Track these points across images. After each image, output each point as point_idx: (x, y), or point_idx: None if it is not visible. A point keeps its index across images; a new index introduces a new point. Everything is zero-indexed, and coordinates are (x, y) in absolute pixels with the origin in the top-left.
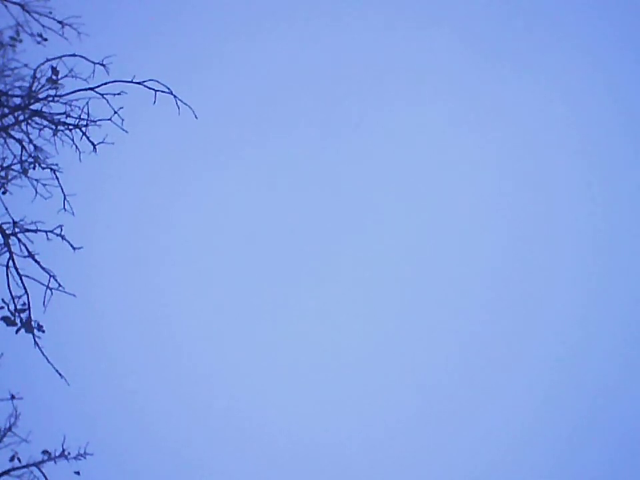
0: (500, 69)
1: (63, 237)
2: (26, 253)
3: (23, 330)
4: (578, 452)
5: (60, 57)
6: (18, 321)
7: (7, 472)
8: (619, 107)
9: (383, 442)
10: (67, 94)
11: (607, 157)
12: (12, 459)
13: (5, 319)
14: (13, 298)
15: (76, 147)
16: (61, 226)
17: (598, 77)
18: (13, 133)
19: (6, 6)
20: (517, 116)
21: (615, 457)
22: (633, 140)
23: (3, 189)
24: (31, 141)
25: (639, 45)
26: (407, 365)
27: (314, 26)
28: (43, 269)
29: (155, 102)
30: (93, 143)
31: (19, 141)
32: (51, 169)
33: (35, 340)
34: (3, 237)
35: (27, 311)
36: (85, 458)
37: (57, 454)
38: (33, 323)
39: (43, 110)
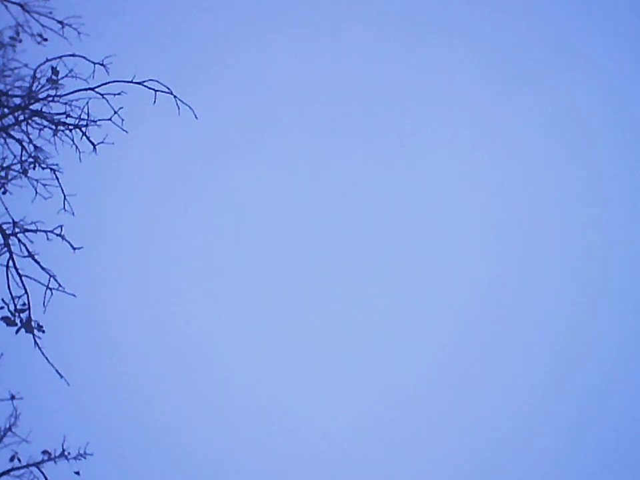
0: (514, 88)
1: (63, 237)
2: (26, 253)
3: (23, 330)
4: (573, 450)
5: (60, 57)
6: (18, 321)
7: (6, 472)
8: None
9: (382, 438)
10: (67, 94)
11: (618, 180)
12: (12, 459)
13: (4, 319)
14: (12, 298)
15: (76, 147)
16: (61, 226)
17: (616, 102)
18: (13, 133)
19: (6, 6)
20: (528, 135)
21: (610, 449)
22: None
23: (3, 189)
24: (30, 141)
25: None
26: (406, 359)
27: (318, 29)
28: (43, 269)
29: (155, 102)
30: (92, 143)
31: (19, 141)
32: (51, 169)
33: (35, 340)
34: (2, 237)
35: (27, 311)
36: (84, 458)
37: (57, 454)
38: (33, 322)
39: (43, 110)
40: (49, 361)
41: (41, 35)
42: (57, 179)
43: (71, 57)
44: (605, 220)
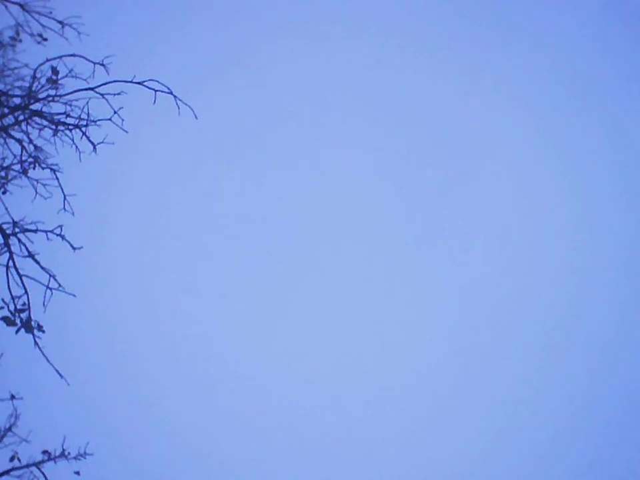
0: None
1: (63, 237)
2: (26, 253)
3: (22, 330)
4: (567, 447)
5: (60, 57)
6: (18, 321)
7: (7, 472)
8: None
9: (381, 435)
10: (67, 94)
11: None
12: (12, 459)
13: (4, 319)
14: (12, 298)
15: (76, 147)
16: (60, 226)
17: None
18: (13, 132)
19: (6, 6)
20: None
21: (604, 441)
22: None
23: (3, 189)
24: (31, 141)
25: None
26: (404, 358)
27: (323, 31)
28: (43, 269)
29: (154, 102)
30: (93, 143)
31: (19, 141)
32: (51, 169)
33: (35, 340)
34: (3, 237)
35: (27, 311)
36: (84, 458)
37: (57, 454)
38: (33, 322)
39: (43, 110)
40: (48, 361)
41: (41, 35)
42: (57, 179)
43: (71, 57)
44: (599, 233)
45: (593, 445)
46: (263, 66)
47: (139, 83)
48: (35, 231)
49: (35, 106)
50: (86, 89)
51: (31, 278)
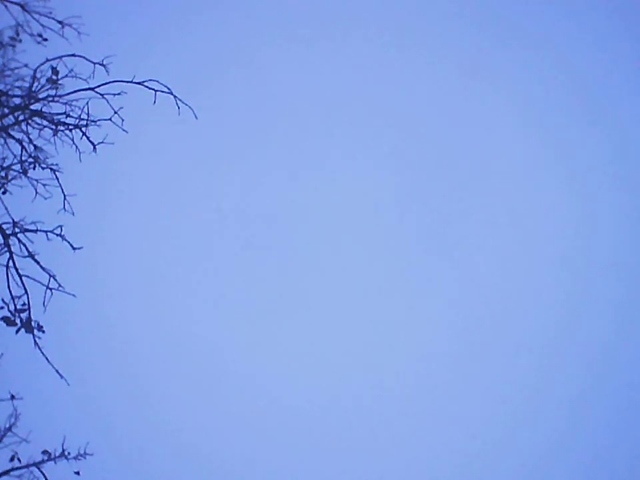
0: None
1: (62, 237)
2: (26, 253)
3: (23, 330)
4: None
5: (60, 57)
6: (18, 321)
7: (6, 472)
8: None
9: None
10: (67, 94)
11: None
12: (12, 459)
13: (4, 319)
14: (12, 298)
15: (76, 147)
16: (60, 226)
17: None
18: (13, 133)
19: (6, 6)
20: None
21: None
22: None
23: (3, 189)
24: (31, 141)
25: None
26: (400, 359)
27: (322, 32)
28: (43, 269)
29: (155, 102)
30: (92, 143)
31: (19, 141)
32: (51, 169)
33: (34, 340)
34: (2, 237)
35: (27, 311)
36: (84, 458)
37: (57, 454)
38: (33, 322)
39: (43, 110)
40: (48, 361)
41: (40, 35)
42: (57, 178)
43: (71, 57)
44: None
45: (593, 445)
46: (262, 66)
47: (139, 83)
48: (35, 231)
49: (35, 106)
50: (86, 89)
51: (31, 278)
